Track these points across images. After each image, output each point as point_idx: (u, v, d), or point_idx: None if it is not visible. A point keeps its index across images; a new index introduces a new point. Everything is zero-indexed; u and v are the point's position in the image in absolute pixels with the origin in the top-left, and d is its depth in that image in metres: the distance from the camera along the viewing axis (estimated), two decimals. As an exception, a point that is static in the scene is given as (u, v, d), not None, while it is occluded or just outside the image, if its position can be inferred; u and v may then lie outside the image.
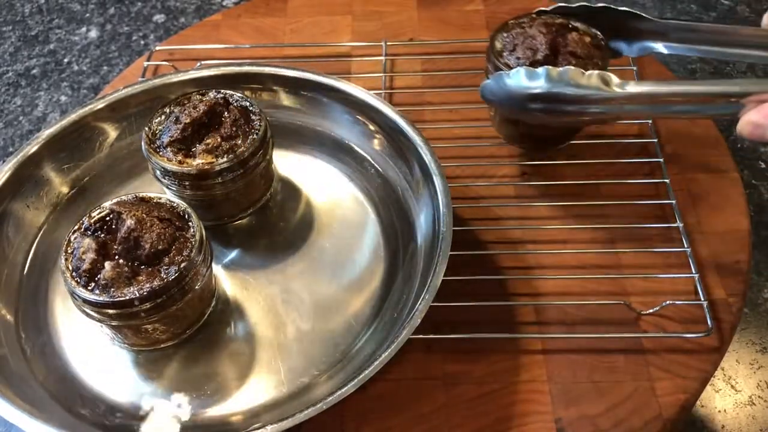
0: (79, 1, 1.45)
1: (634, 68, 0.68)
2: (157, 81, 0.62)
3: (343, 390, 0.43)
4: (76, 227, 0.48)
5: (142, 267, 0.47)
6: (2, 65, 1.30)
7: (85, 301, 0.46)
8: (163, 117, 0.55)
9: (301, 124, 0.63)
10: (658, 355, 0.51)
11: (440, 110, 0.67)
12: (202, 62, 0.72)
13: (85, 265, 0.46)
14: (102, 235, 0.48)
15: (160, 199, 0.50)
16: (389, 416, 0.49)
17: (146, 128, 0.54)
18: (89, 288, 0.46)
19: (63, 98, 1.27)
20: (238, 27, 0.78)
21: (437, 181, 0.53)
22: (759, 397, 0.93)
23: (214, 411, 0.49)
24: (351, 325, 0.52)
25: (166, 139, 0.53)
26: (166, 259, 0.47)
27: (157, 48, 0.75)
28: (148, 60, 0.73)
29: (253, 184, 0.56)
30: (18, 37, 1.37)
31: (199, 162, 0.52)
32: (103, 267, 0.46)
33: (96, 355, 0.52)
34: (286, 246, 0.57)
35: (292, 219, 0.59)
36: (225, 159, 0.52)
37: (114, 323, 0.47)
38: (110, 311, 0.46)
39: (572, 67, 0.48)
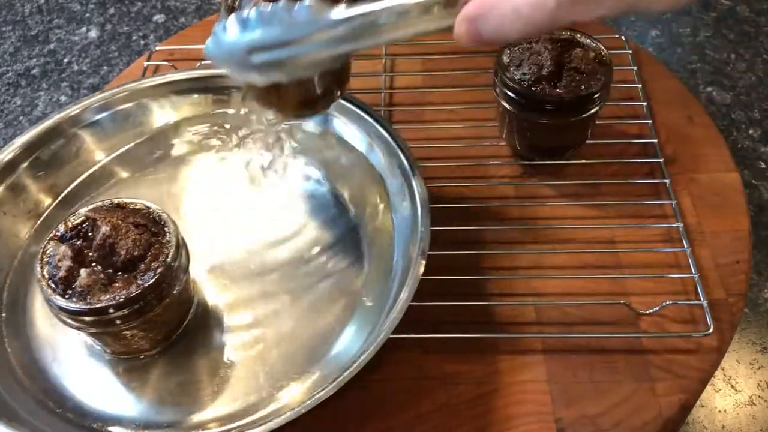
0: (79, 1, 1.45)
1: (634, 68, 0.68)
2: (131, 85, 0.62)
3: (321, 393, 0.43)
4: (52, 234, 0.48)
5: (118, 273, 0.46)
6: (2, 65, 1.30)
7: (62, 309, 0.45)
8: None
9: (276, 126, 0.63)
10: (658, 355, 0.51)
11: (440, 110, 0.67)
12: (202, 62, 0.72)
13: (61, 273, 0.46)
14: (78, 242, 0.47)
15: (136, 204, 0.50)
16: (389, 416, 0.49)
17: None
18: (66, 296, 0.45)
19: (63, 98, 1.27)
20: (238, 27, 0.78)
21: (414, 183, 0.53)
22: (759, 397, 0.94)
23: (195, 417, 0.48)
24: (332, 328, 0.52)
25: None
26: (142, 266, 0.47)
27: (157, 48, 0.75)
28: (148, 60, 0.73)
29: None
30: (18, 37, 1.37)
31: None
32: (79, 274, 0.46)
33: (76, 363, 0.51)
34: (267, 249, 0.56)
35: (273, 222, 0.58)
36: None
37: (92, 330, 0.47)
38: (87, 318, 0.45)
39: (283, 2, 0.41)
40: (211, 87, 0.64)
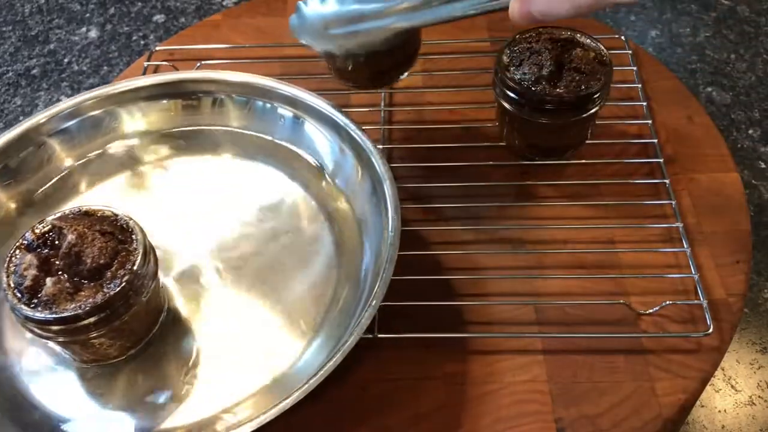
0: (79, 1, 1.45)
1: (634, 68, 0.68)
2: (99, 92, 0.62)
3: (287, 401, 0.43)
4: (18, 243, 0.48)
5: (84, 282, 0.46)
6: (2, 65, 1.30)
7: (27, 318, 0.45)
8: None
9: (247, 131, 0.63)
10: (658, 355, 0.51)
11: (440, 110, 0.67)
12: (203, 62, 0.72)
13: (27, 282, 0.46)
14: (44, 251, 0.47)
15: (104, 212, 0.49)
16: (389, 416, 0.49)
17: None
18: (31, 305, 0.45)
19: (63, 98, 1.27)
20: (238, 27, 0.78)
21: (386, 187, 0.53)
22: (759, 397, 0.94)
23: (165, 424, 0.48)
24: (304, 333, 0.52)
25: None
26: (109, 273, 0.46)
27: (157, 48, 0.75)
28: (149, 60, 0.73)
29: None
30: (18, 37, 1.37)
31: None
32: (45, 283, 0.46)
33: (45, 372, 0.51)
34: (238, 256, 0.56)
35: (245, 229, 0.58)
36: None
37: (60, 339, 0.47)
38: (53, 328, 0.45)
39: None
40: (180, 92, 0.63)
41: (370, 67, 0.56)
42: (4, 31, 1.38)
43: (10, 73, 1.30)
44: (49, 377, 0.51)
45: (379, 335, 0.51)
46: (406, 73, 0.59)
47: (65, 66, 1.30)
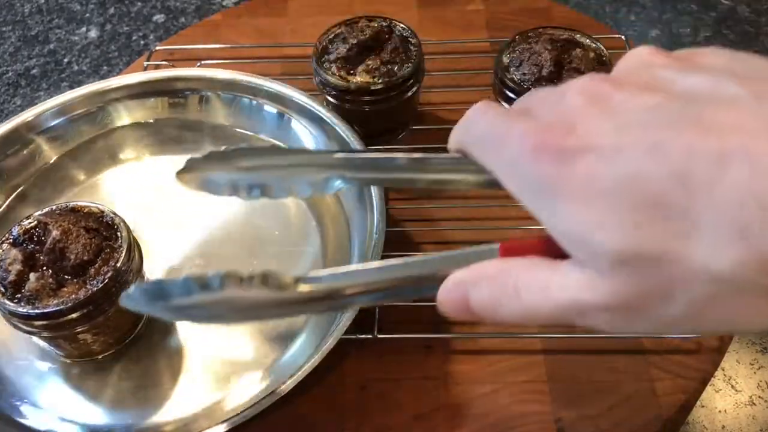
0: (79, 1, 1.45)
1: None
2: (87, 90, 0.62)
3: (266, 399, 0.43)
4: (4, 238, 0.48)
5: (68, 278, 0.47)
6: (2, 65, 1.30)
7: (11, 313, 0.46)
8: (332, 36, 0.60)
9: (234, 128, 0.64)
10: (658, 355, 0.51)
11: (440, 110, 0.67)
12: (202, 62, 0.72)
13: (11, 277, 0.46)
14: (30, 246, 0.47)
15: (90, 208, 0.50)
16: (389, 416, 0.49)
17: (316, 44, 0.59)
18: (14, 300, 0.45)
19: (63, 98, 1.27)
20: (238, 27, 0.78)
21: (372, 187, 0.53)
22: (759, 397, 0.94)
23: (151, 420, 0.48)
24: (286, 330, 0.52)
25: (333, 56, 0.59)
26: (92, 270, 0.47)
27: (157, 48, 0.75)
28: (148, 60, 0.73)
29: (400, 108, 0.61)
30: (18, 37, 1.38)
31: (358, 80, 0.57)
32: (29, 278, 0.46)
33: (30, 367, 0.51)
34: (225, 254, 0.56)
35: (231, 227, 0.58)
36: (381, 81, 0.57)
37: (44, 334, 0.47)
38: (37, 323, 0.46)
39: (229, 273, 0.29)
40: (167, 90, 0.64)
41: (377, 126, 0.61)
42: (4, 31, 1.38)
43: (10, 73, 1.30)
44: (35, 373, 0.51)
45: (379, 335, 0.51)
46: (408, 129, 0.64)
47: (65, 66, 1.30)
